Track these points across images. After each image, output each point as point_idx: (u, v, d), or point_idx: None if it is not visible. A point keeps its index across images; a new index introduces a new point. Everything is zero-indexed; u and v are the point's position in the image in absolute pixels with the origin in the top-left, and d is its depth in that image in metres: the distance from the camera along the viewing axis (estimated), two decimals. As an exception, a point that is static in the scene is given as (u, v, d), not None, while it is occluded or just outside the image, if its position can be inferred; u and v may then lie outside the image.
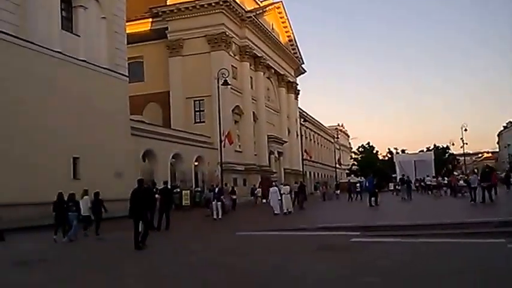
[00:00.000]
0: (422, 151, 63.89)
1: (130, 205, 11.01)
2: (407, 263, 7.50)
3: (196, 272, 7.65)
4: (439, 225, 11.92)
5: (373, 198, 22.98)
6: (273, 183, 22.44)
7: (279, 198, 20.63)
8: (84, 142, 22.52)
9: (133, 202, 10.96)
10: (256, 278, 6.82)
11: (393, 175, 55.18)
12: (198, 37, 38.59)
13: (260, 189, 33.14)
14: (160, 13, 39.46)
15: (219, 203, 20.03)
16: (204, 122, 38.33)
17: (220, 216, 19.56)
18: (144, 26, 40.23)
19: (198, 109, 38.98)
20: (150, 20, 40.28)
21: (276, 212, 20.21)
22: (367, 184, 25.83)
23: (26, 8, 20.33)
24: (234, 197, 27.19)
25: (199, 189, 32.53)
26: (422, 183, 38.73)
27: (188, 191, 29.70)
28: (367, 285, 5.99)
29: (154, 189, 16.52)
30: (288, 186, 22.57)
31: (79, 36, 23.32)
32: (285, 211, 20.41)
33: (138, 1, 36.40)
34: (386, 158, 71.65)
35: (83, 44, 23.46)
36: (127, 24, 28.52)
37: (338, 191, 41.07)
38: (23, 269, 9.13)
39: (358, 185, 36.25)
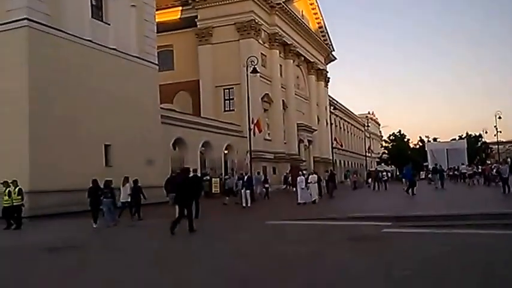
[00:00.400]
0: (454, 139, 62.25)
1: (177, 192, 11.61)
2: (443, 255, 7.21)
3: (227, 262, 7.62)
4: (474, 215, 11.44)
5: (410, 188, 22.91)
6: (299, 172, 22.13)
7: (302, 187, 20.08)
8: (115, 130, 22.78)
9: (180, 189, 11.53)
10: (285, 270, 6.72)
11: (425, 164, 54.03)
12: (227, 25, 38.48)
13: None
14: (189, 1, 39.49)
15: (248, 191, 20.02)
16: (233, 110, 38.36)
17: (249, 205, 19.56)
18: (173, 14, 40.34)
19: (227, 97, 39.01)
20: (180, 8, 40.36)
21: (299, 201, 19.62)
22: (404, 172, 25.63)
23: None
24: (267, 185, 27.24)
25: (228, 177, 32.69)
26: (456, 172, 37.70)
27: (218, 179, 29.86)
28: (403, 280, 5.78)
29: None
30: (315, 175, 22.13)
31: (109, 24, 23.48)
32: (312, 200, 19.91)
33: (167, -11, 36.51)
34: (418, 146, 70.15)
35: (113, 32, 23.58)
36: (157, 12, 28.60)
37: (370, 180, 40.45)
38: (52, 255, 9.31)
39: (384, 173, 35.48)
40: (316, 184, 21.39)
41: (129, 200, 15.99)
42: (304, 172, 26.28)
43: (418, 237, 9.26)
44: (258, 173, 27.73)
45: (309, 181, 20.56)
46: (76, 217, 17.45)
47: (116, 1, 23.88)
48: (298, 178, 20.97)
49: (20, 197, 14.88)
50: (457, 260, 6.88)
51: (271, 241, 9.69)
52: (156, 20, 28.09)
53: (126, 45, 24.34)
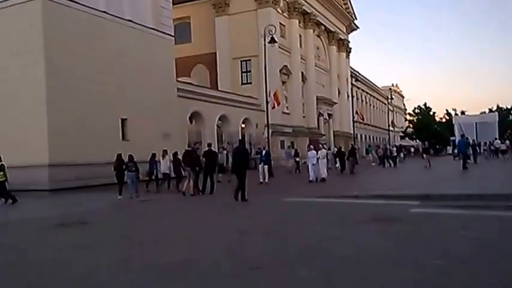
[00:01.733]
0: (484, 113, 60.05)
1: (233, 162, 13.18)
2: (482, 241, 6.37)
3: (244, 241, 7.01)
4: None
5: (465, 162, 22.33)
6: (310, 146, 21.04)
7: (314, 163, 18.70)
8: (131, 104, 22.54)
9: (235, 159, 13.01)
10: (301, 253, 6.04)
11: (452, 138, 52.37)
12: (245, -6, 37.21)
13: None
14: (206, -30, 38.28)
15: (266, 166, 19.37)
16: (251, 83, 37.54)
17: (267, 180, 18.93)
18: (190, -16, 39.22)
19: (245, 70, 38.13)
20: (197, -22, 39.19)
21: (310, 178, 18.49)
22: (457, 145, 25.35)
23: (71, -33, 19.89)
24: (297, 159, 26.57)
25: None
26: (492, 147, 36.22)
27: (235, 153, 29.32)
28: (435, 269, 5.03)
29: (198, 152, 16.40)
30: (324, 150, 20.69)
31: (124, -5, 22.74)
32: (322, 177, 18.63)
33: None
34: (444, 120, 68.12)
35: (128, 3, 23.00)
36: (173, -17, 27.68)
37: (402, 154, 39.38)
38: (66, 230, 8.94)
39: (394, 149, 33.52)
40: (325, 160, 20.00)
41: (168, 171, 16.86)
42: (324, 146, 25.46)
43: (451, 219, 8.36)
44: (289, 147, 27.00)
45: (317, 156, 19.03)
46: (95, 190, 17.39)
47: (130, -30, 23.07)
48: (308, 153, 19.57)
49: (1, 173, 14.65)
50: (498, 248, 6.06)
51: (288, 221, 9.03)
52: (173, -9, 27.22)
53: (141, 17, 23.85)
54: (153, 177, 17.42)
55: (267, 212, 10.73)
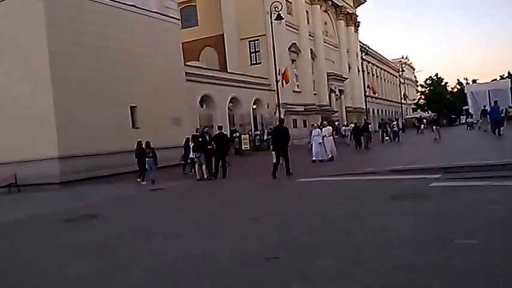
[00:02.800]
0: (495, 80, 58.53)
1: (273, 140, 13.95)
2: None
3: (259, 226, 6.78)
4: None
5: (497, 129, 21.98)
6: (313, 124, 20.26)
7: (320, 142, 17.61)
8: (139, 90, 22.28)
9: (274, 138, 13.72)
10: (320, 238, 5.78)
11: (464, 107, 51.36)
12: (249, -30, 36.35)
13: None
14: (208, -52, 37.48)
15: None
16: (260, 63, 37.03)
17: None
18: (194, -35, 38.54)
19: (253, 50, 37.59)
20: (200, -42, 38.46)
21: (313, 158, 17.52)
22: (489, 112, 24.44)
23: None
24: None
25: (258, 132, 31.89)
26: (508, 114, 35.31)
27: (247, 135, 29.10)
28: (468, 251, 4.68)
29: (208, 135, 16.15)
30: (329, 127, 19.22)
31: (126, -21, 22.27)
32: (329, 156, 17.49)
33: None
34: (456, 89, 66.85)
35: (130, -12, 22.46)
36: (177, -34, 27.09)
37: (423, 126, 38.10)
38: (72, 224, 8.79)
39: (394, 123, 31.12)
40: (331, 138, 18.71)
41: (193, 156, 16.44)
42: (337, 123, 24.97)
43: (476, 192, 7.86)
44: (312, 125, 25.58)
45: (322, 134, 17.92)
46: (109, 181, 17.28)
47: (132, -46, 22.56)
48: (313, 131, 18.44)
49: None
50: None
51: (304, 202, 8.78)
52: (178, -26, 26.65)
53: (145, 1, 23.40)
54: (188, 161, 17.15)
55: (282, 193, 10.49)
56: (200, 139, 15.34)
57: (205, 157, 14.63)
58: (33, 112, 18.58)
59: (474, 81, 62.69)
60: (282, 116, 25.99)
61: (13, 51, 19.00)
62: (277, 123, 14.51)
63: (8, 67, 19.19)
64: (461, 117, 55.38)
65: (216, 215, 8.32)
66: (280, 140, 13.10)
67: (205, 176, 14.50)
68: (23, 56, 18.77)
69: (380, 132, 30.51)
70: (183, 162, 17.76)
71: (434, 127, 27.22)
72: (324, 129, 18.51)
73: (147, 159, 15.52)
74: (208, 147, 14.85)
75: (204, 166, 14.57)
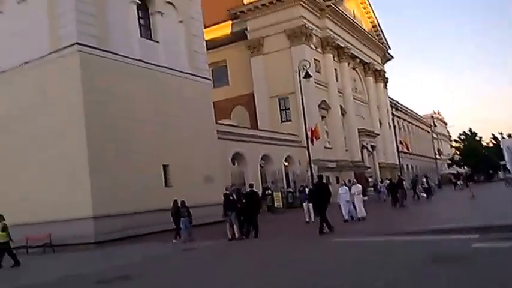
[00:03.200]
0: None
1: (313, 198, 14.39)
2: None
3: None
4: None
5: None
6: (343, 181, 19.71)
7: (347, 200, 17.13)
8: (172, 149, 22.46)
9: (316, 196, 13.81)
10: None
11: (501, 162, 49.84)
12: (278, 33, 37.82)
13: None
14: (238, 13, 39.30)
15: (310, 204, 18.74)
16: (290, 120, 37.43)
17: (313, 219, 18.23)
18: (224, 29, 40.36)
19: (283, 108, 38.16)
20: (230, 22, 40.31)
21: (345, 217, 17.03)
22: None
23: (103, 18, 20.37)
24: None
25: (290, 189, 31.65)
26: None
27: (279, 192, 28.91)
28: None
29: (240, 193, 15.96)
30: (359, 185, 18.46)
31: (158, 42, 23.30)
32: (361, 216, 16.98)
33: (215, 5, 36.49)
34: (491, 144, 65.34)
35: (163, 50, 23.39)
36: (208, 29, 28.46)
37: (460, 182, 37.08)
38: (104, 286, 8.71)
39: (424, 180, 29.95)
40: (361, 196, 17.92)
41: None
42: (370, 179, 24.54)
43: None
44: (349, 181, 23.68)
45: (351, 192, 17.33)
46: (143, 240, 17.27)
47: (163, 19, 23.75)
48: (339, 189, 17.88)
49: (4, 233, 13.61)
50: None
51: (341, 264, 8.46)
52: (208, 37, 27.84)
53: (177, 62, 24.06)
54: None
55: (316, 254, 10.17)
56: (230, 197, 15.24)
57: (236, 216, 14.46)
58: (68, 171, 18.76)
59: (510, 135, 61.43)
60: (314, 172, 25.87)
61: (48, 114, 19.39)
62: (317, 180, 14.85)
63: (43, 131, 19.52)
64: (499, 172, 53.65)
65: (247, 276, 8.11)
66: (321, 197, 13.16)
67: (237, 236, 14.30)
68: (58, 118, 19.12)
69: (412, 189, 29.68)
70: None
71: (468, 184, 26.29)
72: (353, 187, 17.90)
73: (182, 218, 15.79)
74: (238, 205, 14.72)
75: (235, 225, 14.40)
